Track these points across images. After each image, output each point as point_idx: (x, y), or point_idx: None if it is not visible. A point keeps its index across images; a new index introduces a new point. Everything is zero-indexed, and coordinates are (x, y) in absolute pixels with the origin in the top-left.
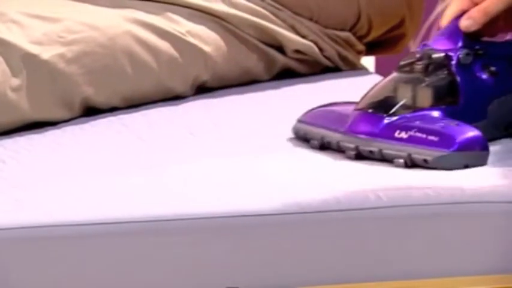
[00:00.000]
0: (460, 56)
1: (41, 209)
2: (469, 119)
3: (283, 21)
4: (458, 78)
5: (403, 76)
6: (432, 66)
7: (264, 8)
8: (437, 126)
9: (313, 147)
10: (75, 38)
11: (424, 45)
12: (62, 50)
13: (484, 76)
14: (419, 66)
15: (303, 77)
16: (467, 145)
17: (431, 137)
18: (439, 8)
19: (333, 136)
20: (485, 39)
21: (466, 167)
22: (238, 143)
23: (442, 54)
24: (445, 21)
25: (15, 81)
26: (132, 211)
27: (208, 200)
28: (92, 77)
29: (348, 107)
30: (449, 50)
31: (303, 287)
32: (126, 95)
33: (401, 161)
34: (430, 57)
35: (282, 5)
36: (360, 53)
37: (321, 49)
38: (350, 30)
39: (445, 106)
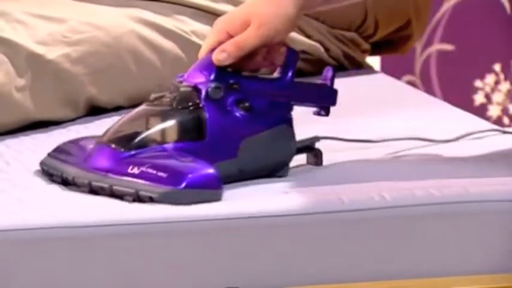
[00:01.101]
0: (209, 89)
1: (44, 210)
2: (217, 156)
3: None
4: (205, 113)
5: (151, 109)
6: (180, 99)
7: None
8: (169, 162)
9: (56, 183)
10: (80, 38)
11: (178, 76)
12: (67, 50)
13: (237, 112)
14: (168, 99)
15: (309, 76)
16: (198, 183)
17: (160, 173)
18: (444, 8)
19: (70, 171)
20: (245, 73)
21: (195, 203)
22: None
23: (190, 88)
24: (202, 52)
25: (20, 82)
26: (135, 213)
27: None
28: (96, 77)
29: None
30: (201, 83)
31: (305, 287)
32: (130, 94)
33: (129, 197)
34: (178, 89)
35: None
36: (364, 52)
37: (326, 49)
38: (356, 30)
39: (190, 141)
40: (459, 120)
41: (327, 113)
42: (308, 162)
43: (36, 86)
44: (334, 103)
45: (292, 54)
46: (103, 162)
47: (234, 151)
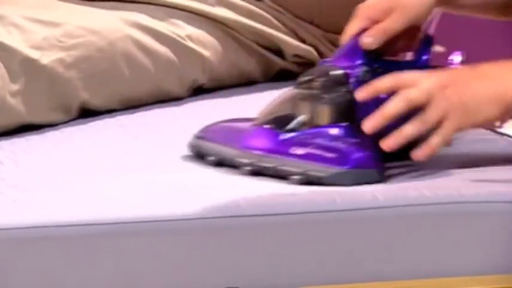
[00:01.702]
0: (359, 73)
1: (38, 210)
2: (369, 137)
3: (284, 25)
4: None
5: (302, 92)
6: (331, 83)
7: (266, 11)
8: (333, 144)
9: (210, 164)
10: (75, 42)
11: (324, 61)
12: (61, 54)
13: (383, 95)
14: (317, 83)
15: None
16: (363, 163)
17: (327, 154)
18: (435, 10)
19: (229, 152)
20: (385, 58)
21: (359, 184)
22: None
23: (341, 71)
24: (345, 38)
25: (14, 87)
26: (130, 212)
27: (206, 201)
28: (90, 82)
29: (247, 123)
30: (349, 67)
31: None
32: (123, 98)
33: (297, 177)
34: (328, 74)
35: (284, 8)
36: None
37: (320, 53)
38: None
39: (344, 124)
40: None
41: None
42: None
43: (29, 91)
44: None
45: (429, 38)
46: (263, 143)
47: (382, 133)
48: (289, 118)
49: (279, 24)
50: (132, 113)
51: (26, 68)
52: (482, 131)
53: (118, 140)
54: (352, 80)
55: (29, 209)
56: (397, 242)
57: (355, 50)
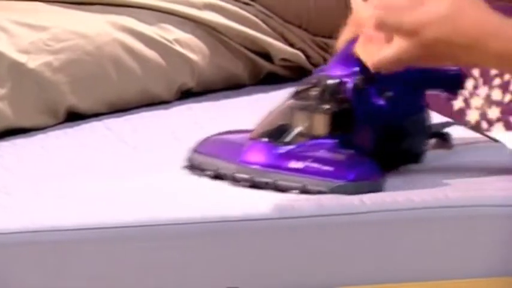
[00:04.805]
0: (356, 81)
1: (26, 215)
2: (366, 147)
3: (273, 29)
4: (353, 105)
5: (298, 103)
6: (327, 92)
7: (254, 15)
8: (332, 156)
9: (207, 177)
10: (63, 46)
11: (320, 70)
12: (48, 58)
13: (381, 101)
14: (314, 93)
15: (289, 82)
16: (363, 174)
17: (326, 167)
18: None
19: (228, 167)
20: None
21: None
22: None
23: (337, 80)
24: (339, 45)
25: (1, 91)
26: (119, 216)
27: (200, 204)
28: (77, 86)
29: (244, 135)
30: (344, 75)
31: None
32: (110, 102)
33: (296, 192)
34: (325, 83)
35: (273, 12)
36: None
37: (308, 57)
38: (338, 37)
39: (341, 134)
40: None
41: (455, 95)
42: (436, 147)
43: (16, 95)
44: (461, 87)
45: None
46: (261, 157)
47: (380, 141)
48: (286, 130)
49: (268, 28)
50: (120, 116)
51: (13, 72)
52: (472, 136)
53: (106, 144)
54: (348, 88)
55: (17, 214)
56: (385, 247)
57: (350, 57)
